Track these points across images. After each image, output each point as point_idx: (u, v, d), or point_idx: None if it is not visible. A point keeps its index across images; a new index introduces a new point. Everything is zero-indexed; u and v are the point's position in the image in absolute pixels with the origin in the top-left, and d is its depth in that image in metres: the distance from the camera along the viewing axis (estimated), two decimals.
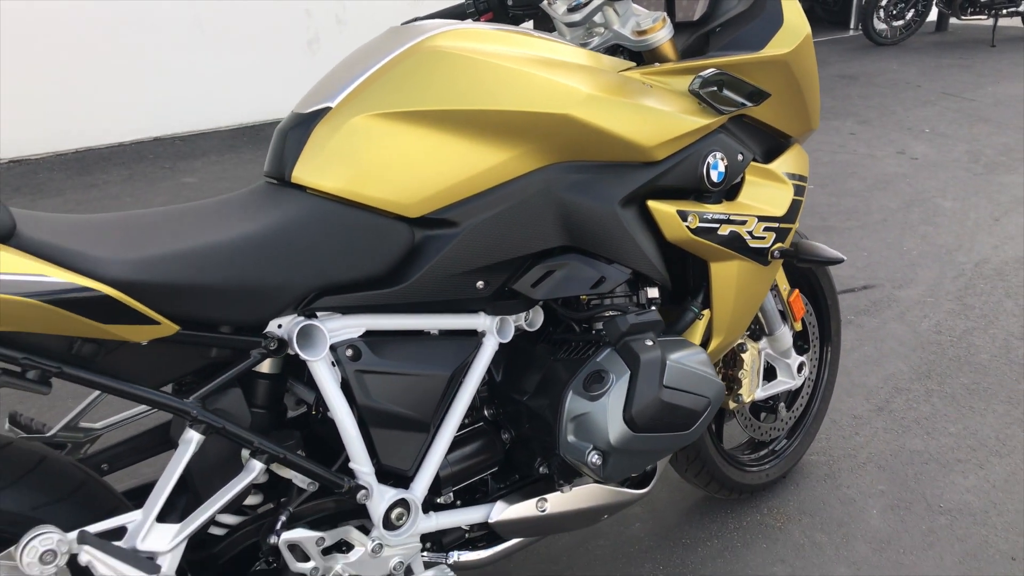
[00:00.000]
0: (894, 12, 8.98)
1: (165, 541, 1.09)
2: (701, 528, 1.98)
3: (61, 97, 4.48)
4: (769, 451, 2.07)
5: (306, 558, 1.24)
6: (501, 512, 1.42)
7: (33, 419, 1.34)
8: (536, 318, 1.47)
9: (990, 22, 9.09)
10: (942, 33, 9.94)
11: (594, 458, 1.30)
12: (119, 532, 1.08)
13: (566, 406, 1.32)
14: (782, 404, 2.03)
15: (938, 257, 3.52)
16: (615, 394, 1.30)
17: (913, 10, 9.09)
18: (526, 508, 1.44)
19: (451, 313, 1.37)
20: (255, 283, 1.16)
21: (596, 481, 1.45)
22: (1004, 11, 9.00)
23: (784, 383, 1.93)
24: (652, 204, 1.40)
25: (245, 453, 1.22)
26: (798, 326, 1.94)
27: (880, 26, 8.99)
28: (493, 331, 1.40)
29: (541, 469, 1.45)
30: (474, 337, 1.40)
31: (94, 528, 1.05)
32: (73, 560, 1.04)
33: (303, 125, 1.28)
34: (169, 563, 1.09)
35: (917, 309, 3.06)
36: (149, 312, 1.05)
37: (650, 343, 1.35)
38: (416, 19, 1.70)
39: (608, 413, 1.29)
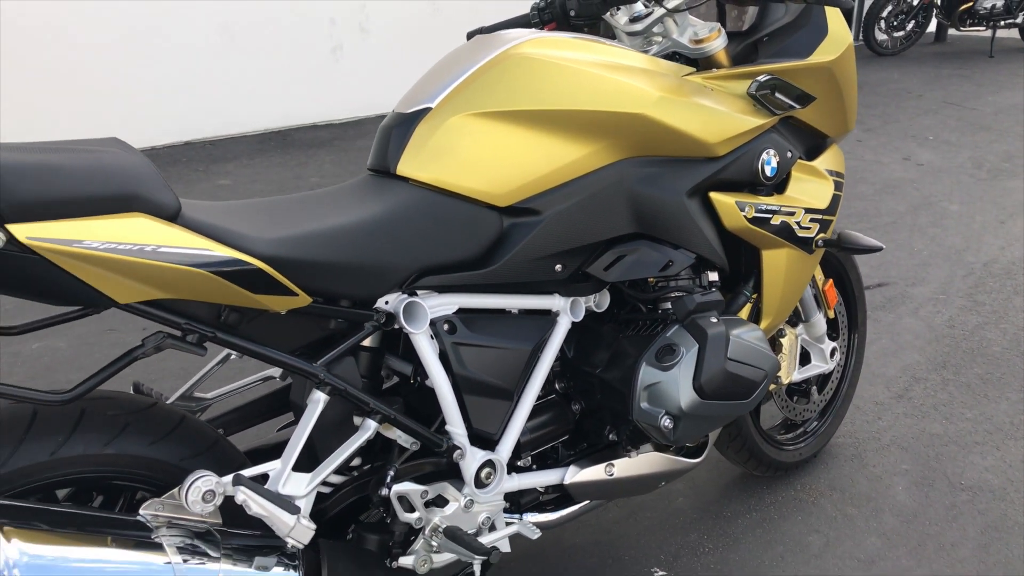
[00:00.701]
0: (895, 23, 9.18)
1: (301, 487, 1.23)
2: (740, 502, 2.13)
3: (98, 103, 4.61)
4: (802, 431, 2.22)
5: (411, 509, 1.38)
6: (574, 475, 1.57)
7: (153, 389, 1.47)
8: (603, 300, 1.62)
9: (988, 33, 9.29)
10: (941, 44, 10.14)
11: (666, 422, 1.44)
12: (261, 479, 1.22)
13: (640, 376, 1.46)
14: (814, 387, 2.17)
15: (948, 257, 3.68)
16: (685, 365, 1.45)
17: (913, 21, 9.29)
18: (596, 472, 1.58)
19: (530, 294, 1.51)
20: (372, 262, 1.30)
21: (663, 445, 1.60)
22: (1002, 23, 9.20)
23: (818, 367, 2.08)
24: (714, 195, 1.55)
25: (357, 418, 1.37)
26: (831, 314, 2.09)
27: (881, 37, 9.18)
28: (567, 311, 1.54)
29: (611, 436, 1.59)
30: (549, 316, 1.54)
31: (244, 473, 1.20)
32: (225, 502, 1.18)
33: (405, 124, 1.43)
34: (304, 507, 1.23)
35: (930, 305, 3.22)
36: (290, 285, 1.20)
37: (715, 320, 1.50)
38: (481, 29, 1.85)
39: (679, 382, 1.44)
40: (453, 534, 1.39)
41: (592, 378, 1.57)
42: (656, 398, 1.45)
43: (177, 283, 1.10)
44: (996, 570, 1.89)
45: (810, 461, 2.26)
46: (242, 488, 1.16)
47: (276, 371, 1.61)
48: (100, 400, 1.21)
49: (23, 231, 0.98)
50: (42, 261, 1.01)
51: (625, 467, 1.61)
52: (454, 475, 1.45)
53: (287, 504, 1.19)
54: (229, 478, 1.17)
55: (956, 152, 5.37)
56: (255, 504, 1.16)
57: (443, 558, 1.44)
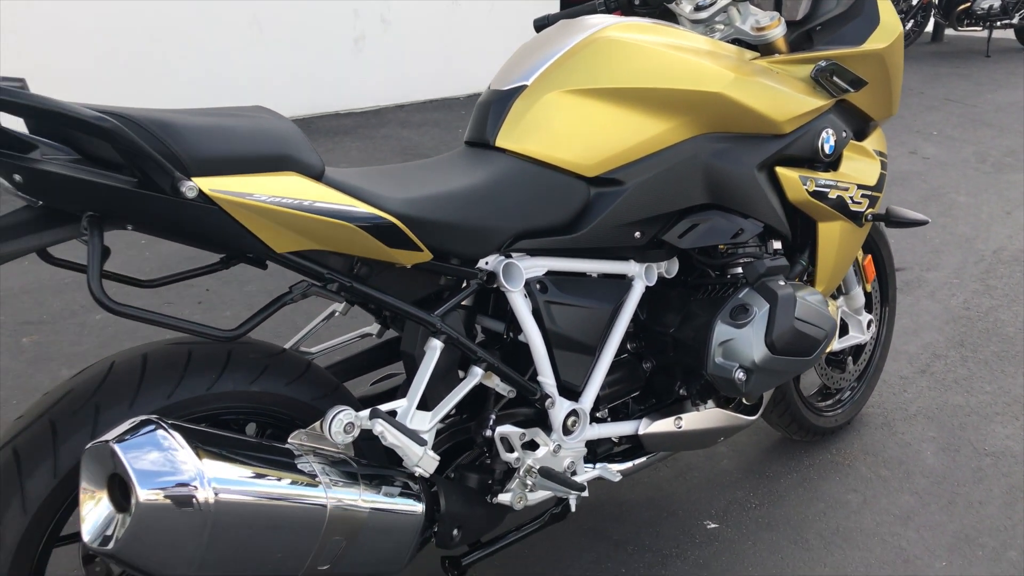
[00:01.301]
0: None
1: (425, 423, 1.36)
2: (780, 464, 2.27)
3: (131, 90, 4.72)
4: (837, 399, 2.36)
5: (510, 450, 1.51)
6: (647, 427, 1.70)
7: None
8: (673, 267, 1.75)
9: (984, 33, 9.49)
10: (938, 43, 10.33)
11: (740, 375, 1.58)
12: (389, 416, 1.35)
13: (715, 333, 1.60)
14: (849, 357, 2.32)
15: (959, 245, 3.84)
16: (758, 323, 1.58)
17: (912, 21, 9.47)
18: (666, 424, 1.72)
19: (609, 259, 1.65)
20: (480, 225, 1.43)
21: (726, 401, 1.74)
22: (998, 23, 9.39)
23: (856, 337, 2.22)
24: (780, 170, 1.69)
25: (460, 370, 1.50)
26: (868, 288, 2.24)
27: None
28: (641, 276, 1.68)
29: (680, 391, 1.73)
30: (624, 281, 1.68)
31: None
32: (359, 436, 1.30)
33: (503, 100, 1.56)
34: (429, 440, 1.36)
35: (946, 289, 3.37)
36: (417, 241, 1.33)
37: (783, 283, 1.64)
38: (547, 17, 1.98)
39: (752, 338, 1.57)
40: (548, 473, 1.52)
41: (665, 337, 1.70)
42: (730, 353, 1.59)
43: (326, 235, 1.23)
44: (1020, 527, 2.04)
45: (843, 428, 2.41)
46: (380, 420, 1.29)
47: (372, 328, 1.73)
48: (241, 344, 1.34)
49: (207, 184, 1.11)
50: (219, 212, 1.13)
51: (692, 421, 1.74)
52: (543, 423, 1.58)
53: (416, 437, 1.32)
54: (366, 412, 1.30)
55: (960, 147, 5.53)
56: (391, 435, 1.29)
57: (536, 496, 1.57)
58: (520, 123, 1.53)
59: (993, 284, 3.41)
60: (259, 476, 1.15)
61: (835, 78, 1.72)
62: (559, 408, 1.56)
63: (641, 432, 1.69)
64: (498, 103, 1.56)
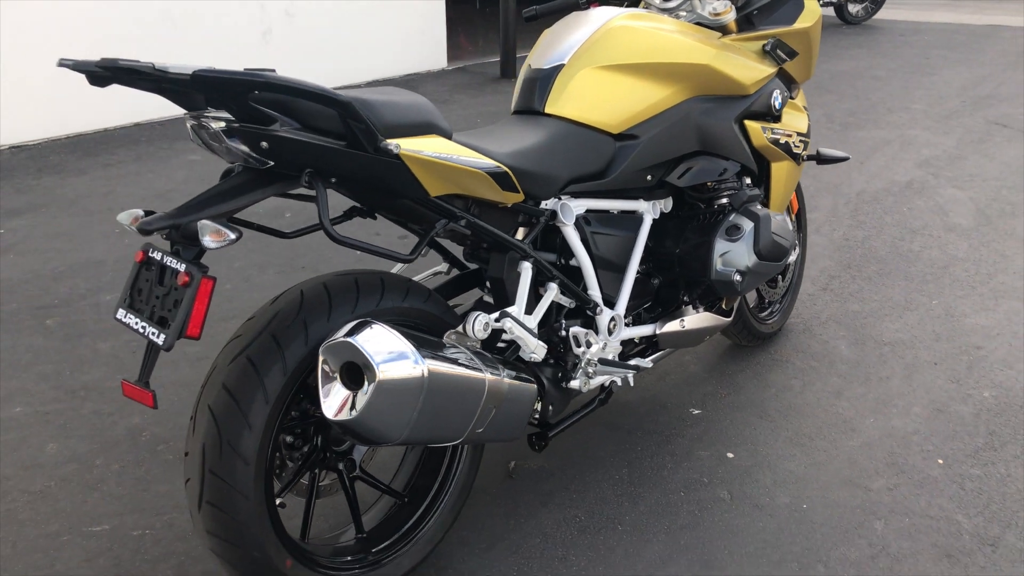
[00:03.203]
0: None
1: (532, 323, 1.79)
2: (735, 364, 2.82)
3: (50, 85, 4.76)
4: (771, 311, 2.94)
5: (578, 345, 1.95)
6: (661, 328, 2.18)
7: None
8: (669, 204, 2.23)
9: None
10: None
11: (737, 278, 2.09)
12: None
13: (715, 248, 2.10)
14: (779, 275, 2.89)
15: (829, 190, 4.56)
16: (747, 237, 2.10)
17: None
18: (675, 325, 2.21)
19: (625, 199, 2.11)
20: (550, 173, 1.86)
21: (730, 298, 2.25)
22: (821, 3, 10.51)
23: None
24: (748, 123, 2.20)
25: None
26: (792, 218, 2.81)
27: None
28: (650, 211, 2.15)
29: (684, 298, 2.22)
30: (636, 215, 2.15)
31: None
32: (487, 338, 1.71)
33: (546, 76, 1.99)
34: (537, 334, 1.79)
35: (828, 226, 4.05)
36: (518, 185, 1.74)
37: (759, 207, 2.16)
38: (536, 10, 2.40)
39: (745, 249, 2.08)
40: (605, 361, 1.98)
41: (671, 256, 2.19)
42: (728, 262, 2.10)
43: (466, 181, 1.63)
44: (918, 391, 2.67)
45: (777, 335, 2.99)
46: (509, 319, 1.70)
47: (443, 267, 2.12)
48: (386, 275, 1.71)
49: (397, 144, 1.49)
50: (401, 164, 1.51)
51: (691, 322, 2.24)
52: (589, 327, 2.03)
53: (532, 331, 1.74)
54: (496, 314, 1.71)
55: (809, 110, 6.34)
56: (517, 330, 1.71)
57: (594, 382, 2.02)
58: (563, 93, 1.96)
59: (862, 219, 4.13)
60: (444, 358, 1.55)
61: (778, 51, 2.25)
62: (605, 315, 2.01)
63: (658, 332, 2.17)
64: (543, 79, 1.99)
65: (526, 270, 1.82)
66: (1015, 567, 1.94)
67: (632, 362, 2.10)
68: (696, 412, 2.55)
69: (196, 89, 1.35)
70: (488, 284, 1.92)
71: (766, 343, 2.95)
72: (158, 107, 5.23)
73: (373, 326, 1.48)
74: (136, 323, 1.44)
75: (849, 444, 2.40)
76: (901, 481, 2.23)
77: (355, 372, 1.45)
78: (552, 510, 2.10)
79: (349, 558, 1.75)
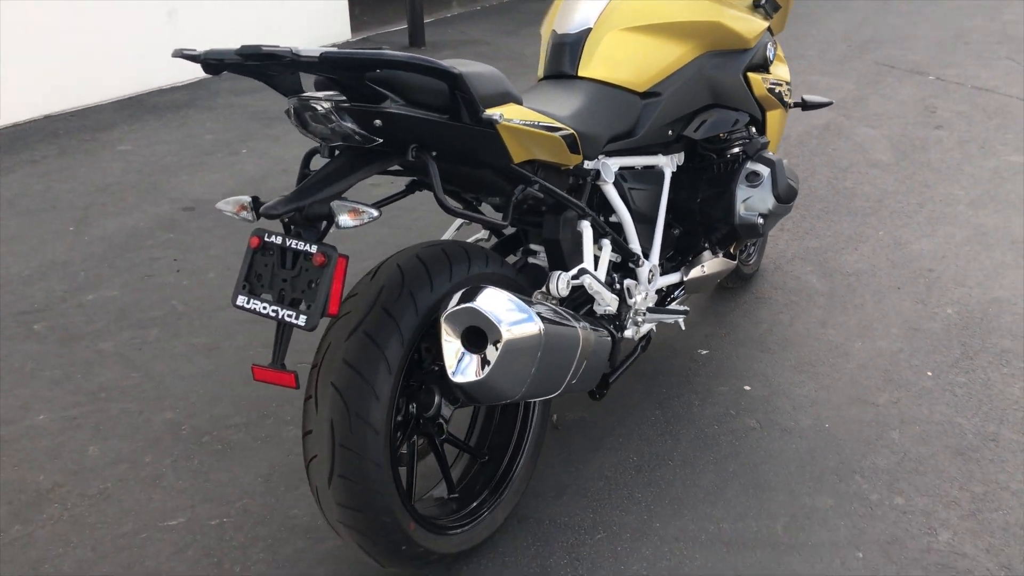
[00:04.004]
0: None
1: (603, 277, 1.88)
2: (725, 306, 3.00)
3: None
4: (749, 253, 3.13)
5: (631, 295, 2.06)
6: (687, 274, 2.33)
7: None
8: (681, 159, 2.36)
9: None
10: None
11: (760, 220, 2.24)
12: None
13: (737, 193, 2.25)
14: None
15: None
16: (766, 183, 2.25)
17: None
18: (698, 271, 2.35)
19: (647, 155, 2.22)
20: (596, 133, 1.95)
21: (752, 240, 2.40)
22: None
23: None
24: (750, 74, 2.35)
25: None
26: None
27: None
28: (669, 164, 2.28)
29: (705, 244, 2.36)
30: (656, 170, 2.26)
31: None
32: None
33: (575, 41, 2.07)
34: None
35: None
36: (580, 147, 1.83)
37: (770, 152, 2.31)
38: None
39: (766, 193, 2.24)
40: (653, 309, 2.10)
41: (692, 205, 2.32)
42: (751, 206, 2.25)
43: (543, 145, 1.70)
44: (891, 315, 2.93)
45: (755, 277, 3.19)
46: (587, 276, 1.80)
47: (484, 234, 2.18)
48: (468, 244, 1.77)
49: (500, 113, 1.54)
50: (495, 134, 1.57)
51: (709, 265, 2.40)
52: (633, 278, 2.14)
53: (605, 285, 1.84)
54: (575, 271, 1.80)
55: None
56: (595, 285, 1.81)
57: (643, 329, 2.14)
58: (594, 56, 2.05)
59: (796, 161, 4.40)
60: (548, 317, 1.62)
61: (766, 4, 2.40)
62: (644, 265, 2.13)
63: (685, 279, 2.31)
64: (572, 43, 2.07)
65: (587, 229, 1.91)
66: (1017, 456, 2.20)
67: (672, 306, 2.23)
68: (704, 352, 2.71)
69: (323, 70, 1.37)
70: (542, 246, 1.99)
71: (747, 283, 3.14)
72: (67, 97, 4.99)
73: (487, 290, 1.54)
74: (264, 308, 1.46)
75: (847, 367, 2.62)
76: (902, 395, 2.47)
77: (476, 336, 1.51)
78: (605, 454, 2.23)
79: (452, 516, 1.82)
